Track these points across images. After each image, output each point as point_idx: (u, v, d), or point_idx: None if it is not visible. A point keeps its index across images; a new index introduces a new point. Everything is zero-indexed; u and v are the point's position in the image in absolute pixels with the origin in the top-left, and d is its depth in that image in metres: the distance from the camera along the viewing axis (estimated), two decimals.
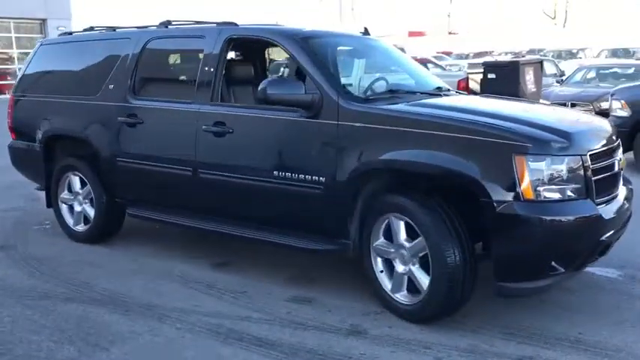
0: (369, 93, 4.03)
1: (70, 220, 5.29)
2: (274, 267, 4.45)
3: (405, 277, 3.51)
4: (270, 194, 3.94)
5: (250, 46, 4.97)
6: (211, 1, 41.09)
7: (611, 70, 13.79)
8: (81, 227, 5.22)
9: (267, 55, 5.33)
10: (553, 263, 3.15)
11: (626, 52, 25.72)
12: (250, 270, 4.42)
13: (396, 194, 3.47)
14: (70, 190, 5.27)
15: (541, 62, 10.48)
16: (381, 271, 3.63)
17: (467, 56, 29.53)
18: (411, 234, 3.44)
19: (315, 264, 4.42)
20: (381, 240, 3.60)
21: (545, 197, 3.09)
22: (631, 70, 12.76)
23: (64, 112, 5.16)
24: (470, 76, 11.46)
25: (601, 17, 35.67)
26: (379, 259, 3.64)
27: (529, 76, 9.63)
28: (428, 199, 3.33)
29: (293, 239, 3.92)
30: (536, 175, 3.07)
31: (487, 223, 3.17)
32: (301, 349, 3.22)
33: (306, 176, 3.73)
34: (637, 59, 23.69)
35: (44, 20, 25.47)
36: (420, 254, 3.39)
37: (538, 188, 3.07)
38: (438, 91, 4.37)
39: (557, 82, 14.26)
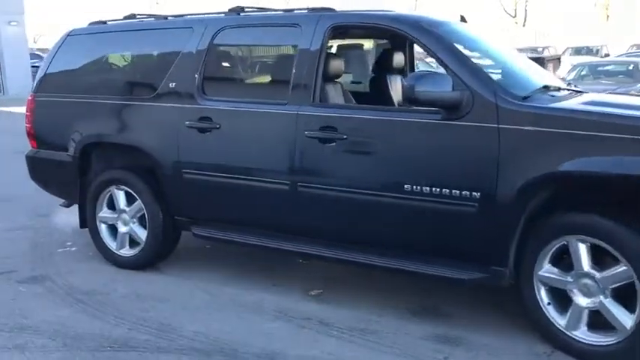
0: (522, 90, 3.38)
1: (111, 243, 4.47)
2: (381, 296, 3.80)
3: (585, 312, 2.94)
4: (398, 212, 3.29)
5: (356, 36, 4.28)
6: None
7: (605, 68, 13.71)
8: (126, 251, 4.41)
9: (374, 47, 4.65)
10: None
11: (589, 51, 26.13)
12: (355, 301, 3.75)
13: (583, 213, 2.89)
14: (111, 207, 4.46)
15: (559, 58, 10.17)
16: (549, 304, 3.05)
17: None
18: (597, 261, 2.87)
19: (432, 293, 3.79)
20: (548, 267, 3.02)
21: None
22: (630, 67, 12.67)
23: (107, 115, 4.34)
24: None
25: (560, 16, 36.35)
26: (543, 290, 3.06)
27: (550, 72, 9.33)
28: (634, 220, 2.76)
29: (427, 267, 3.29)
30: None
31: None
32: None
33: (453, 191, 3.10)
34: (601, 56, 24.15)
35: None
36: (614, 285, 2.83)
37: None
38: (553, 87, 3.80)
39: None
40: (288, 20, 3.75)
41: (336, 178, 3.46)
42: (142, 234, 4.30)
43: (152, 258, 4.33)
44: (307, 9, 3.76)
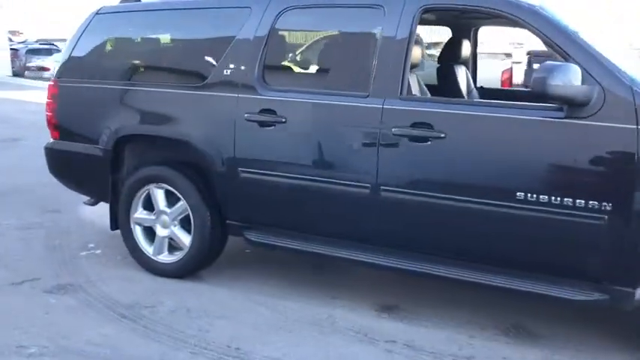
0: None
1: (147, 248, 3.99)
2: (463, 313, 3.41)
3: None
4: (505, 223, 2.89)
5: (442, 21, 3.84)
6: None
7: None
8: (166, 257, 3.94)
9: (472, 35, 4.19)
10: None
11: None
12: (435, 318, 3.35)
13: None
14: (147, 208, 3.98)
15: None
16: None
17: None
18: None
19: (512, 309, 3.41)
20: None
21: None
22: None
23: (146, 104, 3.85)
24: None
25: None
26: None
27: None
28: None
29: (529, 284, 2.90)
30: None
31: None
32: None
33: (578, 201, 2.71)
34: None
35: None
36: None
37: None
38: None
39: None
40: (369, 1, 3.29)
41: (429, 183, 3.04)
42: (184, 238, 3.83)
43: (195, 266, 3.87)
44: None
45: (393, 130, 3.07)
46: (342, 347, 3.04)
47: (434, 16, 3.80)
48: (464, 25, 4.19)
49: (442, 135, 2.97)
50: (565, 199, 2.73)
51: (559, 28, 2.83)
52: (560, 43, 2.79)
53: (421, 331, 3.22)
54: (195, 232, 3.76)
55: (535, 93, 2.67)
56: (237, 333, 3.18)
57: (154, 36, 4.05)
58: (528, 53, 9.29)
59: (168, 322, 3.31)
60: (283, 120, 3.37)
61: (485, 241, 2.99)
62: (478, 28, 4.38)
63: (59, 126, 4.24)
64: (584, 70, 2.68)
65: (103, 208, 4.47)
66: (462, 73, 4.16)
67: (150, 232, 4.00)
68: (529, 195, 2.79)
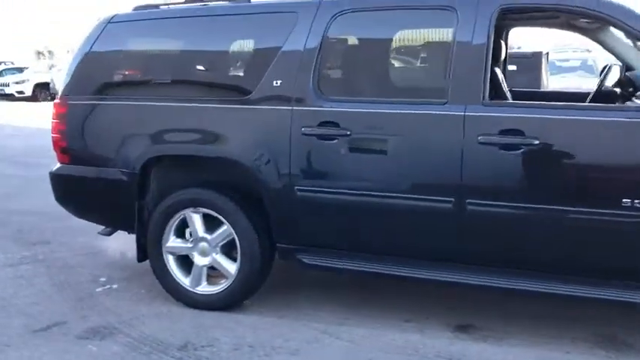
0: None
1: (183, 279, 3.61)
2: (547, 327, 3.25)
3: None
4: (612, 231, 2.76)
5: (520, 22, 3.66)
6: None
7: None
8: (206, 288, 3.58)
9: None
10: None
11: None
12: (518, 335, 3.17)
13: None
14: (180, 235, 3.61)
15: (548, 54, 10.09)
16: None
17: None
18: None
19: (598, 321, 3.28)
20: None
21: None
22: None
23: (182, 122, 3.48)
24: None
25: None
26: None
27: (545, 69, 9.20)
28: None
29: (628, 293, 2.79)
30: None
31: None
32: None
33: None
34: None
35: None
36: None
37: None
38: None
39: None
40: (437, 2, 3.08)
41: (523, 193, 2.86)
42: (229, 266, 3.49)
43: (243, 295, 3.54)
44: None
45: (479, 138, 2.87)
46: None
47: (529, 17, 3.63)
48: (502, 26, 4.07)
49: (536, 142, 2.80)
50: None
51: None
52: None
53: (510, 350, 3.03)
54: (243, 259, 3.43)
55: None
56: None
57: (182, 46, 3.68)
58: None
59: None
60: (347, 133, 3.11)
61: (584, 250, 2.84)
62: (510, 30, 4.28)
63: (70, 149, 3.79)
64: None
65: (100, 237, 4.15)
66: (500, 76, 4.04)
67: (184, 262, 3.64)
68: (636, 201, 2.67)
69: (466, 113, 2.91)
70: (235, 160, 3.35)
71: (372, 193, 3.11)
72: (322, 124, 3.16)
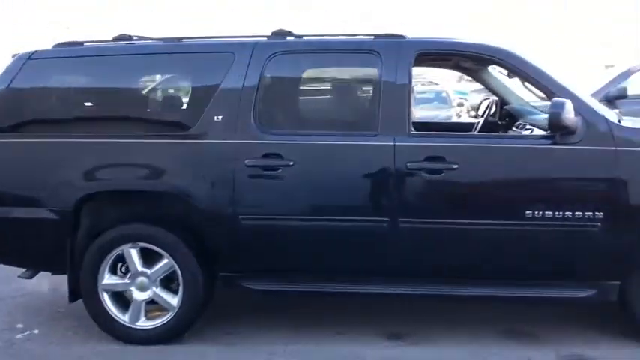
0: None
1: (121, 316, 3.59)
2: (468, 328, 3.73)
3: None
4: (517, 240, 3.31)
5: (433, 63, 4.11)
6: None
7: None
8: (145, 323, 3.59)
9: None
10: None
11: None
12: (446, 339, 3.61)
13: None
14: (114, 271, 3.61)
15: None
16: None
17: None
18: None
19: (510, 317, 3.82)
20: None
21: None
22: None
23: (121, 157, 3.52)
24: None
25: None
26: None
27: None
28: None
29: (545, 291, 3.37)
30: None
31: None
32: None
33: (576, 213, 3.23)
34: None
35: None
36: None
37: None
38: None
39: None
40: (365, 47, 3.50)
41: (449, 210, 3.33)
42: (170, 299, 3.56)
43: (185, 327, 3.60)
44: (377, 35, 3.56)
45: (407, 164, 3.30)
46: None
47: (439, 59, 4.14)
48: None
49: (454, 167, 3.29)
50: (565, 213, 3.23)
51: (542, 72, 3.38)
52: (547, 84, 3.34)
53: (445, 351, 3.44)
54: (186, 290, 3.52)
55: (551, 125, 3.13)
56: None
57: (112, 84, 3.71)
58: None
59: None
60: (290, 164, 3.38)
61: (498, 257, 3.36)
62: None
63: None
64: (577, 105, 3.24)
65: None
66: None
67: (119, 299, 3.62)
68: (535, 213, 3.24)
69: (396, 143, 3.33)
70: (176, 193, 3.46)
71: (316, 217, 3.40)
72: (265, 155, 3.40)
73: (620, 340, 3.46)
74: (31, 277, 3.84)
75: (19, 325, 3.93)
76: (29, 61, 3.70)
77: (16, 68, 3.69)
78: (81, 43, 3.80)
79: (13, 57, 3.78)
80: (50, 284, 4.40)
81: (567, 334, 3.60)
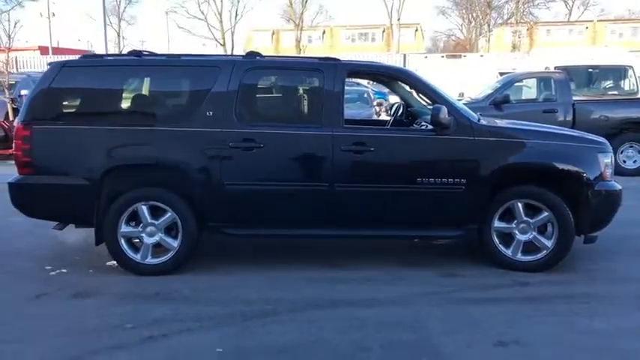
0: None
1: (134, 255, 4.99)
2: (371, 258, 5.39)
3: (522, 244, 5.12)
4: (412, 197, 4.98)
5: (361, 77, 5.70)
6: None
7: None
8: (153, 259, 5.00)
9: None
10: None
11: None
12: (366, 263, 5.26)
13: (528, 185, 5.01)
14: (130, 223, 4.99)
15: None
16: (499, 244, 5.12)
17: None
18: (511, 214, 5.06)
19: (402, 252, 5.53)
20: (499, 222, 5.10)
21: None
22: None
23: (139, 141, 4.91)
24: None
25: None
26: (495, 235, 5.12)
27: None
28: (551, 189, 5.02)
29: (431, 231, 5.10)
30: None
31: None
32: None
33: (449, 179, 4.95)
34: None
35: None
36: (539, 225, 5.07)
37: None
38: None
39: None
40: (314, 66, 5.08)
41: (369, 178, 4.94)
42: (171, 242, 4.98)
43: (182, 262, 5.03)
44: (320, 58, 5.15)
45: (341, 147, 4.90)
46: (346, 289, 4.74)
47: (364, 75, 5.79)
48: None
49: (372, 149, 4.92)
50: (442, 179, 4.93)
51: (427, 85, 5.08)
52: (430, 94, 5.05)
53: (367, 272, 5.08)
54: (184, 236, 4.96)
55: (432, 122, 4.82)
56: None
57: (132, 86, 5.08)
58: None
59: (208, 296, 4.53)
60: (261, 146, 4.90)
61: (403, 209, 5.03)
62: None
63: (33, 164, 4.89)
64: (450, 108, 4.95)
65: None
66: None
67: (130, 243, 5.01)
68: (423, 179, 4.92)
69: (333, 133, 4.92)
70: (178, 166, 4.89)
71: (278, 183, 4.94)
72: (244, 140, 4.89)
73: (480, 264, 5.23)
74: (62, 228, 5.14)
75: (48, 267, 5.21)
76: (63, 68, 5.01)
77: (53, 73, 4.98)
78: (101, 56, 5.14)
79: (48, 65, 5.06)
80: (61, 238, 5.73)
81: (446, 261, 5.34)
